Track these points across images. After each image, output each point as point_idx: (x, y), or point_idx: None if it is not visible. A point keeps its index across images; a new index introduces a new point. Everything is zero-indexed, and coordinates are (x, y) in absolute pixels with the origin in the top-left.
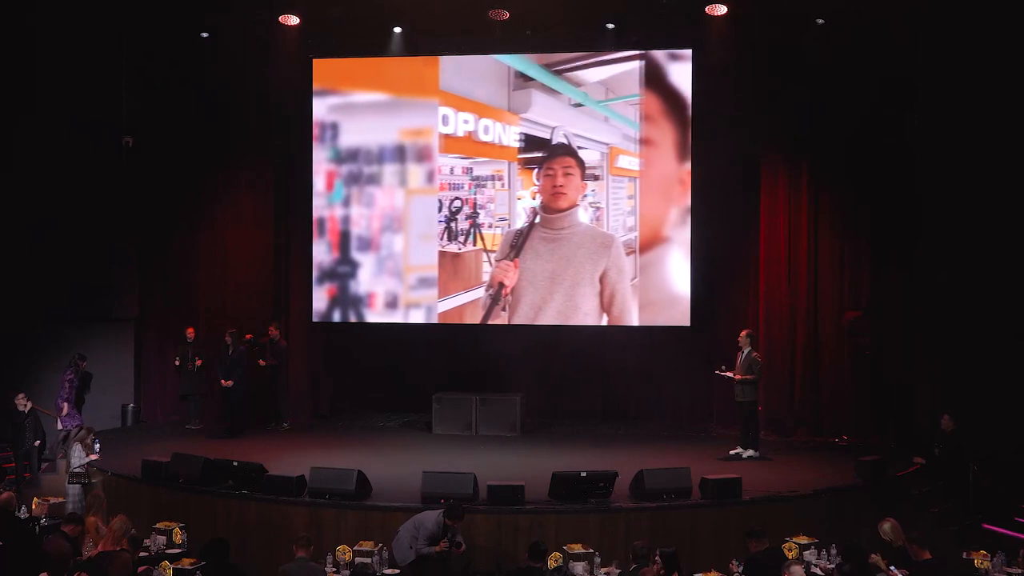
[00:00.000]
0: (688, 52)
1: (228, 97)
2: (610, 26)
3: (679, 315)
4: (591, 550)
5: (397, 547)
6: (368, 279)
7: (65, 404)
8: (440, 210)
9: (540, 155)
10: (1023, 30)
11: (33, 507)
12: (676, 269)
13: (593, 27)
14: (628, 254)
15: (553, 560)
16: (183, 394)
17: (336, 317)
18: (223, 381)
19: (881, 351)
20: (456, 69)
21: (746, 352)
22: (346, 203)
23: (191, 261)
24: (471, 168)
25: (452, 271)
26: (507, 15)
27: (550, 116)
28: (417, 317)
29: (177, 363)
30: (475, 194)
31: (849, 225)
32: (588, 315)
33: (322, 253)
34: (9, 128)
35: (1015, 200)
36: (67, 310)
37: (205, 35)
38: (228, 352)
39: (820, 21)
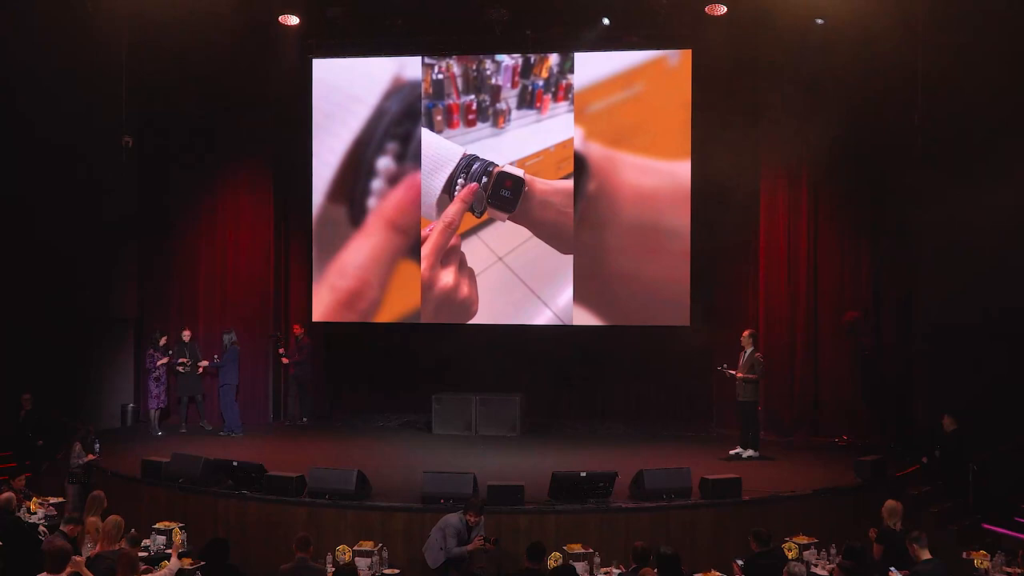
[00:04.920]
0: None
1: (228, 97)
2: (606, 21)
3: (679, 315)
4: (591, 550)
5: (428, 551)
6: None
7: (152, 385)
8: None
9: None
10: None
11: (33, 507)
12: (676, 269)
13: (593, 27)
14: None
15: (553, 560)
16: (180, 396)
17: (336, 317)
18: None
19: (881, 351)
20: None
21: (748, 352)
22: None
23: (191, 261)
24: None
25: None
26: (506, 14)
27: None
28: (418, 316)
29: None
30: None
31: (849, 225)
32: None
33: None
34: (9, 127)
35: (1016, 198)
36: (67, 310)
37: (205, 33)
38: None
39: (820, 21)
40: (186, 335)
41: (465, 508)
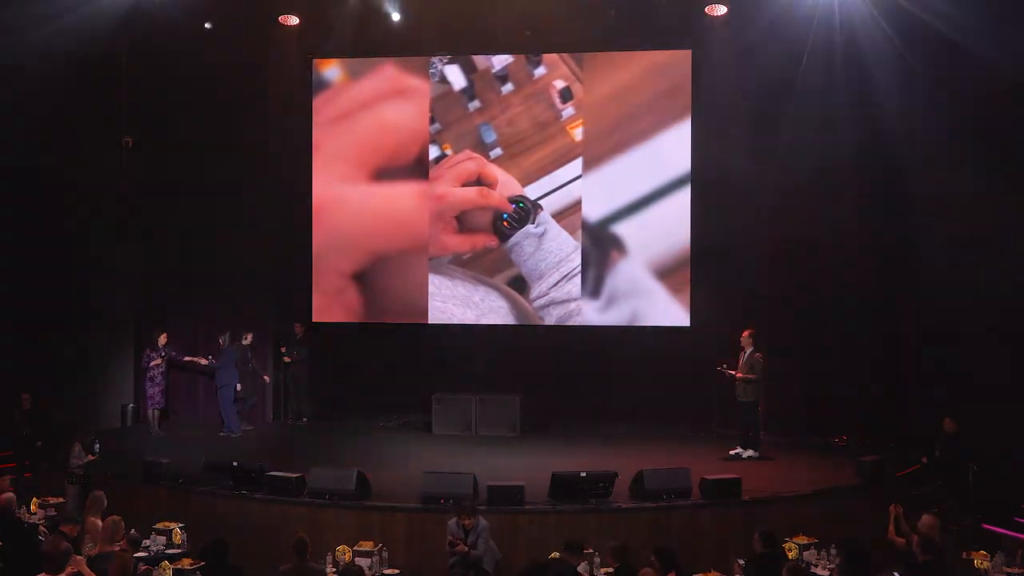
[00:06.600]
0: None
1: (228, 96)
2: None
3: (679, 315)
4: (591, 550)
5: None
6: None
7: (148, 385)
8: None
9: None
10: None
11: (33, 507)
12: (676, 269)
13: (592, 27)
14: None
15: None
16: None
17: (336, 317)
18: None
19: (881, 351)
20: None
21: (748, 352)
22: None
23: (191, 261)
24: None
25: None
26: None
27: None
28: (419, 316)
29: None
30: None
31: (850, 225)
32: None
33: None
34: (8, 127)
35: (1019, 198)
36: (67, 310)
37: (205, 33)
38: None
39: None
40: (247, 338)
41: (457, 510)
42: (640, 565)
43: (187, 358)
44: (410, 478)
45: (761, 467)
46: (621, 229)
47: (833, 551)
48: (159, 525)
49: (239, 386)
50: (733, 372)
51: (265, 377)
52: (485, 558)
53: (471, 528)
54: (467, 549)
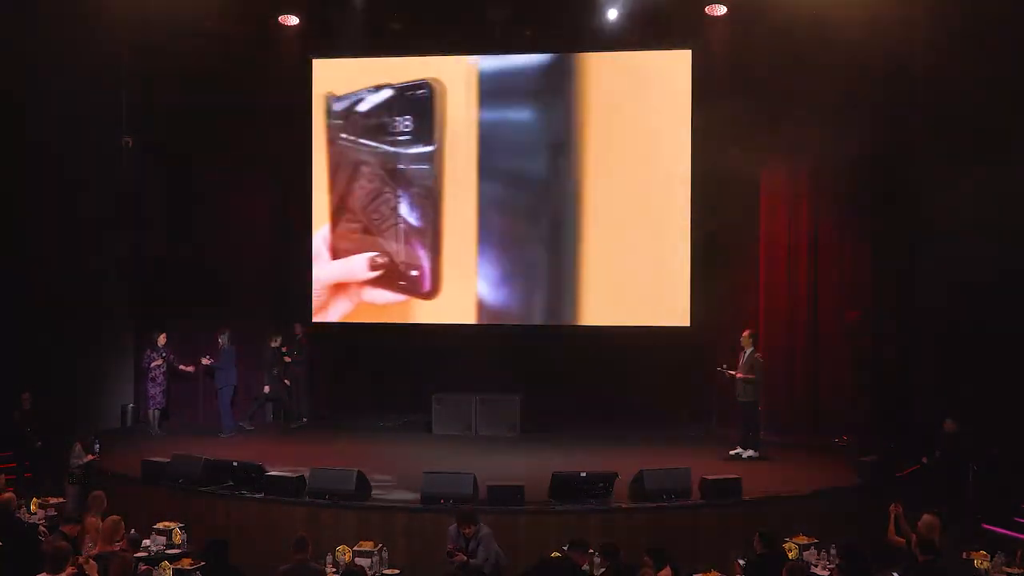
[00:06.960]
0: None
1: (228, 97)
2: (612, 14)
3: (679, 315)
4: (591, 550)
5: None
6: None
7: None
8: None
9: None
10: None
11: (33, 507)
12: (676, 269)
13: (592, 27)
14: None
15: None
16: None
17: (336, 317)
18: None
19: (881, 351)
20: None
21: (748, 352)
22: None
23: (191, 260)
24: None
25: None
26: (507, 14)
27: None
28: (418, 316)
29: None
30: None
31: (850, 225)
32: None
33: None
34: (10, 126)
35: (1018, 197)
36: (67, 310)
37: (205, 35)
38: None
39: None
40: (276, 341)
41: (457, 517)
42: (637, 565)
43: (180, 367)
44: (410, 478)
45: (761, 467)
46: (616, 230)
47: (833, 551)
48: (159, 525)
49: (268, 388)
50: (733, 372)
51: (285, 381)
52: (487, 565)
53: (471, 536)
54: (466, 558)
